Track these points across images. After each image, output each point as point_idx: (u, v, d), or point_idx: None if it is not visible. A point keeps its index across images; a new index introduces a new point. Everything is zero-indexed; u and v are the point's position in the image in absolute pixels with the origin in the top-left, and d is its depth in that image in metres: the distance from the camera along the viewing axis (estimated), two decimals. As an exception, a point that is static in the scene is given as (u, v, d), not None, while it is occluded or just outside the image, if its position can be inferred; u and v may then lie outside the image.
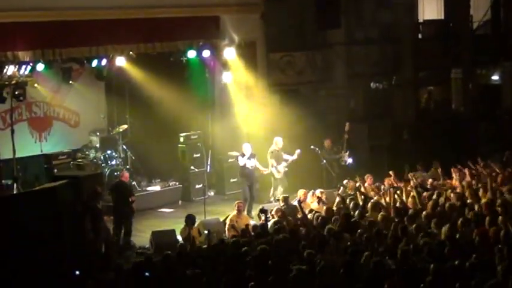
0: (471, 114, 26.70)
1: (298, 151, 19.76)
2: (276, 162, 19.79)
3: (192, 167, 21.28)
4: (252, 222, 16.52)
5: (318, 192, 17.37)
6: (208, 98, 22.58)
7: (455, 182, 17.46)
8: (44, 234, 13.21)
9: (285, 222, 14.92)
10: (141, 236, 17.57)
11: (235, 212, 16.69)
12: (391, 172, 18.01)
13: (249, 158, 19.25)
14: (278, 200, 16.93)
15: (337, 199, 16.49)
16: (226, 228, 16.33)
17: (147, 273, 11.76)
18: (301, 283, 10.42)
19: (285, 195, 17.62)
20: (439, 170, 18.85)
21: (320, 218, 14.68)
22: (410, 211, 14.54)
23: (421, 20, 28.64)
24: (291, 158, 19.82)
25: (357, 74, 25.86)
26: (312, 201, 17.21)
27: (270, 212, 16.04)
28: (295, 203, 16.68)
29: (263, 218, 15.61)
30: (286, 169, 19.91)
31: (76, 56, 19.06)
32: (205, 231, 15.42)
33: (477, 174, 17.67)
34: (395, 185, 17.08)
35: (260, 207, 17.17)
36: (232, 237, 14.65)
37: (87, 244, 14.69)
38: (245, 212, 17.68)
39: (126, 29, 19.58)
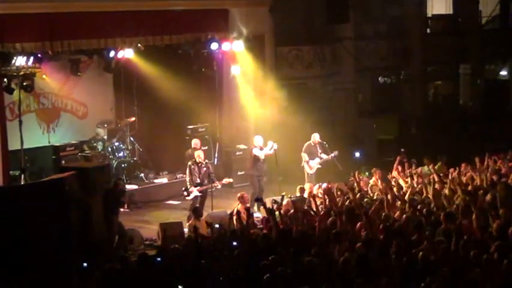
0: (479, 109, 26.68)
1: (335, 153, 19.78)
2: (308, 156, 19.81)
3: (200, 160, 21.24)
4: (256, 215, 16.48)
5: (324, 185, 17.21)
6: (216, 91, 22.55)
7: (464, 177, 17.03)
8: (51, 225, 13.21)
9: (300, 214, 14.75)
10: (149, 227, 17.57)
11: (240, 205, 16.48)
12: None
13: (261, 149, 19.21)
14: (283, 195, 16.68)
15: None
16: (234, 219, 16.00)
17: (158, 259, 11.80)
18: (313, 275, 10.41)
19: (302, 186, 17.51)
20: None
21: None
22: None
23: (429, 15, 28.64)
24: (325, 157, 19.84)
25: (365, 69, 25.91)
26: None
27: (280, 205, 15.74)
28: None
29: (261, 206, 15.47)
30: (319, 166, 19.90)
31: (84, 47, 19.04)
32: (216, 225, 15.20)
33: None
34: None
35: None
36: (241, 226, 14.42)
37: (97, 235, 14.72)
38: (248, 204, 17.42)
39: (135, 21, 19.54)
